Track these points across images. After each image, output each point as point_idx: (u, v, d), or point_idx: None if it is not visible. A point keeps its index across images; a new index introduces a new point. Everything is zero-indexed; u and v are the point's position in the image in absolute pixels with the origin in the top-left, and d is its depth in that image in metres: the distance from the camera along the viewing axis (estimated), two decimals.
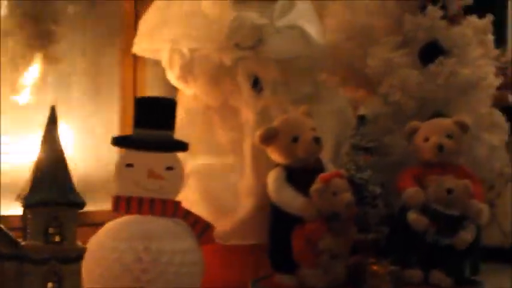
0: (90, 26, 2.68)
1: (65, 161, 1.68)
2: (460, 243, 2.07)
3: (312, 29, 2.34)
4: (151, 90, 2.69)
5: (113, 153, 2.57)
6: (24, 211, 1.68)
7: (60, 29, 2.58)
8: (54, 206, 1.64)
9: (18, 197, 1.67)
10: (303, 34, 2.30)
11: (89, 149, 2.62)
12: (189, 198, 2.18)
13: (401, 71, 2.35)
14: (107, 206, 2.11)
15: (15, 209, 1.89)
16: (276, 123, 2.14)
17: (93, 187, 2.55)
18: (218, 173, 2.31)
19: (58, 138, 1.69)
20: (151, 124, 2.04)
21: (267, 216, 2.15)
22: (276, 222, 2.12)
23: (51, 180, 1.65)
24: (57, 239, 1.65)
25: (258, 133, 2.11)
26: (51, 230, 1.64)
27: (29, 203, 1.63)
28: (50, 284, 1.63)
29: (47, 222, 1.64)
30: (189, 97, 2.37)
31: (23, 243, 1.63)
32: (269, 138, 2.10)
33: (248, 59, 2.23)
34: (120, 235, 1.95)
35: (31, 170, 1.67)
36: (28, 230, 1.65)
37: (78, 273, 1.67)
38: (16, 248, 1.61)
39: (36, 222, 1.63)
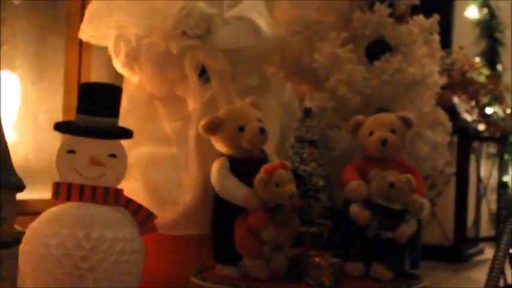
0: (35, 11, 2.63)
1: (5, 143, 1.65)
2: (401, 236, 2.10)
3: (261, 21, 2.34)
4: (97, 77, 2.65)
5: (56, 141, 2.54)
6: None
7: (4, 13, 2.53)
8: None
9: None
10: (252, 26, 2.30)
11: (32, 135, 2.58)
12: (132, 187, 2.16)
13: (348, 66, 2.37)
14: (48, 194, 2.08)
15: None
16: (221, 112, 2.13)
17: (34, 175, 2.52)
18: (161, 163, 2.30)
19: None
20: (94, 110, 2.00)
21: (210, 206, 2.14)
22: (219, 212, 2.10)
23: None
24: None
25: (202, 122, 2.09)
26: None
27: None
28: None
29: None
30: (134, 85, 2.35)
31: None
32: (213, 127, 2.08)
33: (195, 48, 2.22)
34: (61, 221, 1.91)
35: None
36: None
37: (15, 257, 1.63)
38: None
39: None
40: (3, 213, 1.61)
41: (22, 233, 1.64)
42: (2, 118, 1.66)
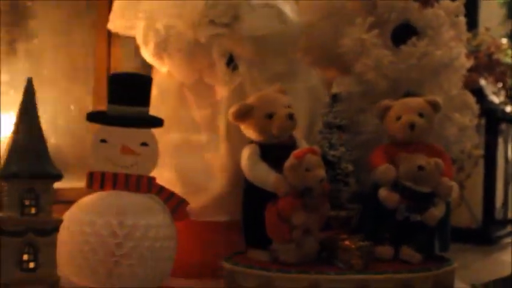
0: (64, 3, 2.67)
1: (41, 133, 1.68)
2: (430, 219, 2.11)
3: (287, 8, 2.35)
4: (125, 67, 2.68)
5: (87, 130, 2.58)
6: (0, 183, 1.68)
7: (35, 4, 2.57)
8: (30, 177, 1.64)
9: None
10: (278, 12, 2.31)
11: (63, 125, 2.62)
12: (163, 175, 2.19)
13: (375, 51, 2.38)
14: (80, 183, 2.12)
15: None
16: (250, 99, 2.15)
17: (66, 164, 2.55)
18: (191, 150, 2.33)
19: (35, 110, 1.69)
20: (126, 100, 2.05)
21: (240, 192, 2.17)
22: (250, 198, 2.13)
23: (27, 152, 1.65)
24: (33, 211, 1.65)
25: (232, 109, 2.12)
26: (26, 202, 1.64)
27: (4, 174, 1.63)
28: (25, 256, 1.64)
29: (23, 194, 1.64)
30: (164, 74, 2.38)
31: None
32: (243, 114, 2.11)
33: (223, 36, 2.24)
34: (96, 209, 1.96)
35: (7, 142, 1.67)
36: (4, 203, 1.65)
37: (53, 245, 1.67)
38: None
39: (11, 194, 1.63)
40: (41, 202, 1.65)
41: (60, 221, 1.68)
42: (37, 110, 1.69)
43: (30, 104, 1.69)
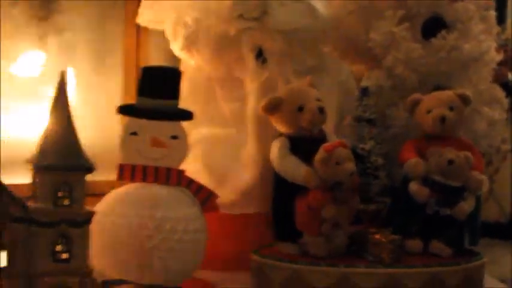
0: None
1: (74, 125, 1.70)
2: (460, 213, 2.10)
3: (317, 1, 2.36)
4: (154, 60, 2.70)
5: (116, 123, 2.60)
6: (33, 176, 1.69)
7: None
8: (63, 169, 1.65)
9: (28, 161, 1.68)
10: (308, 6, 2.32)
11: (93, 118, 2.64)
12: (192, 167, 2.20)
13: (405, 44, 2.37)
14: (109, 175, 2.14)
15: (21, 178, 1.91)
16: (280, 92, 2.16)
17: (95, 156, 2.57)
18: (220, 143, 2.34)
19: (68, 102, 1.70)
20: (156, 93, 2.05)
21: (269, 185, 2.18)
22: (279, 191, 2.14)
23: (60, 144, 1.66)
24: (66, 202, 1.66)
25: (262, 102, 2.13)
26: (60, 194, 1.65)
27: (38, 166, 1.65)
28: (58, 247, 1.65)
29: (56, 185, 1.65)
30: (192, 68, 2.39)
31: (32, 206, 1.64)
32: (274, 107, 2.11)
33: (252, 30, 2.25)
34: (127, 202, 1.97)
35: (41, 134, 1.68)
36: (37, 194, 1.66)
37: (86, 236, 1.68)
38: (26, 211, 1.62)
39: (45, 185, 1.64)
40: (74, 194, 1.66)
41: (92, 213, 1.69)
42: (70, 103, 1.71)
43: (63, 97, 1.70)
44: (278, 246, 2.14)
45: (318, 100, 2.11)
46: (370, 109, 2.27)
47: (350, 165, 2.01)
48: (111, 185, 2.12)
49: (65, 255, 1.66)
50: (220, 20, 2.25)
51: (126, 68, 2.70)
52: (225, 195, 2.23)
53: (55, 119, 1.68)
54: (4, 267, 1.61)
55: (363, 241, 2.07)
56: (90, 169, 1.69)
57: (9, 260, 1.62)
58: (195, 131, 2.29)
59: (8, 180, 1.65)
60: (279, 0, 2.29)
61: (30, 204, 1.65)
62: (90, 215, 1.69)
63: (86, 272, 1.68)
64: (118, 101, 2.63)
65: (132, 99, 2.59)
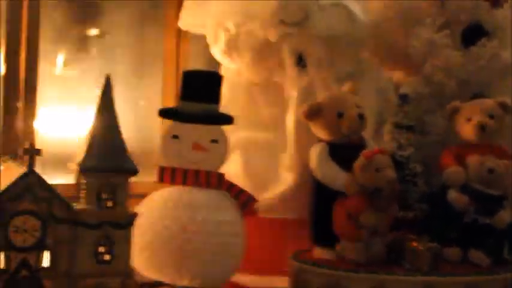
0: (134, 1, 2.71)
1: (119, 128, 1.72)
2: (499, 222, 2.09)
3: (356, 7, 2.36)
4: (194, 64, 2.72)
5: (155, 125, 2.63)
6: (78, 177, 1.72)
7: (106, 2, 2.62)
8: (108, 171, 1.67)
9: (72, 162, 1.71)
10: (348, 12, 2.32)
11: (132, 120, 2.66)
12: (231, 171, 2.22)
13: (445, 52, 2.36)
14: (147, 177, 2.15)
15: (63, 179, 1.94)
16: (321, 99, 2.16)
17: (134, 158, 2.59)
18: (259, 148, 2.35)
19: (113, 105, 1.73)
20: (198, 97, 2.07)
21: (307, 191, 2.18)
22: (318, 196, 2.14)
23: (106, 146, 1.68)
24: (109, 204, 1.68)
25: (302, 108, 2.13)
26: (104, 196, 1.68)
27: (84, 168, 1.67)
28: (101, 248, 1.67)
29: (101, 187, 1.67)
30: (232, 72, 2.40)
31: (76, 207, 1.67)
32: (314, 113, 2.12)
33: (293, 35, 2.26)
34: (167, 204, 1.99)
35: (86, 136, 1.71)
36: (81, 195, 1.68)
37: (128, 238, 1.70)
38: (70, 212, 1.64)
39: (90, 187, 1.67)
40: (117, 196, 1.68)
41: (135, 215, 1.71)
42: (115, 105, 1.73)
43: (109, 100, 1.73)
44: (316, 252, 2.14)
45: (358, 107, 2.11)
46: (410, 116, 2.27)
47: (390, 172, 2.00)
48: (149, 187, 2.15)
49: (107, 257, 1.68)
50: (261, 25, 2.26)
51: (166, 71, 2.72)
52: (263, 199, 2.24)
53: (100, 121, 1.71)
54: (47, 267, 1.63)
55: (400, 248, 2.06)
56: (134, 171, 1.71)
57: (52, 260, 1.64)
58: (233, 135, 2.30)
59: (51, 180, 1.67)
60: (320, 5, 2.29)
61: (75, 205, 1.67)
62: (133, 217, 1.71)
63: (127, 274, 1.70)
64: (157, 104, 2.66)
65: (171, 102, 2.64)
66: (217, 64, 2.46)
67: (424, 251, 2.01)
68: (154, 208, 2.00)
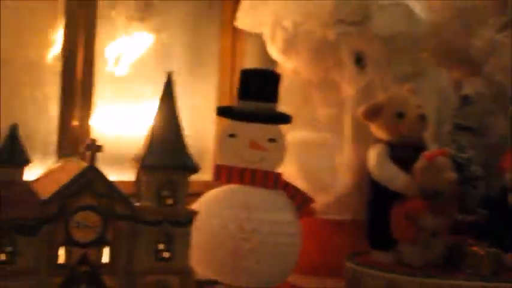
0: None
1: (180, 126, 1.72)
2: None
3: (416, 7, 2.32)
4: (249, 62, 2.71)
5: (210, 124, 2.62)
6: (138, 174, 1.72)
7: (162, 2, 2.62)
8: (169, 169, 1.67)
9: (133, 160, 1.71)
10: (408, 11, 2.28)
11: (188, 119, 2.65)
12: (287, 171, 2.20)
13: (507, 52, 2.32)
14: (203, 176, 2.15)
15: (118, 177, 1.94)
16: (380, 99, 2.14)
17: None
18: (315, 148, 2.33)
19: (174, 103, 1.72)
20: (256, 96, 2.06)
21: (364, 192, 2.15)
22: (375, 198, 2.12)
23: (166, 144, 1.68)
24: (169, 201, 1.67)
25: (361, 108, 2.11)
26: (164, 193, 1.67)
27: (145, 164, 1.67)
28: (160, 245, 1.66)
29: (161, 185, 1.67)
30: (289, 71, 2.38)
31: (137, 204, 1.67)
32: (373, 113, 2.10)
33: (352, 35, 2.23)
34: (224, 203, 1.98)
35: (147, 134, 1.71)
36: (142, 192, 1.68)
37: (188, 236, 1.69)
38: (130, 209, 1.64)
39: (150, 184, 1.67)
40: (178, 194, 1.68)
41: (195, 213, 1.70)
42: (176, 103, 1.73)
43: (170, 97, 1.73)
44: (372, 254, 2.12)
45: (419, 107, 2.08)
46: (471, 117, 2.23)
47: (451, 175, 1.97)
48: (205, 185, 2.14)
49: (167, 254, 1.67)
50: (320, 24, 2.24)
51: (222, 70, 2.71)
52: (320, 200, 2.22)
53: (161, 119, 1.70)
54: (106, 264, 1.63)
55: (460, 252, 2.03)
56: (194, 169, 1.71)
57: (111, 257, 1.64)
58: (290, 134, 2.29)
59: (112, 177, 1.67)
60: (380, 4, 2.26)
61: (135, 202, 1.67)
62: (193, 215, 1.70)
63: (187, 272, 1.69)
64: (213, 102, 2.66)
65: (226, 101, 2.62)
66: (273, 63, 2.45)
67: (484, 256, 1.98)
68: (211, 206, 1.99)
